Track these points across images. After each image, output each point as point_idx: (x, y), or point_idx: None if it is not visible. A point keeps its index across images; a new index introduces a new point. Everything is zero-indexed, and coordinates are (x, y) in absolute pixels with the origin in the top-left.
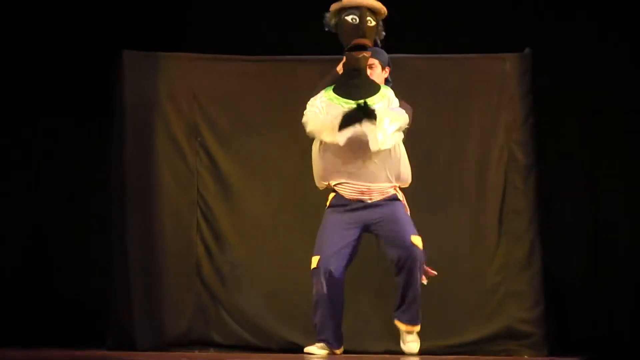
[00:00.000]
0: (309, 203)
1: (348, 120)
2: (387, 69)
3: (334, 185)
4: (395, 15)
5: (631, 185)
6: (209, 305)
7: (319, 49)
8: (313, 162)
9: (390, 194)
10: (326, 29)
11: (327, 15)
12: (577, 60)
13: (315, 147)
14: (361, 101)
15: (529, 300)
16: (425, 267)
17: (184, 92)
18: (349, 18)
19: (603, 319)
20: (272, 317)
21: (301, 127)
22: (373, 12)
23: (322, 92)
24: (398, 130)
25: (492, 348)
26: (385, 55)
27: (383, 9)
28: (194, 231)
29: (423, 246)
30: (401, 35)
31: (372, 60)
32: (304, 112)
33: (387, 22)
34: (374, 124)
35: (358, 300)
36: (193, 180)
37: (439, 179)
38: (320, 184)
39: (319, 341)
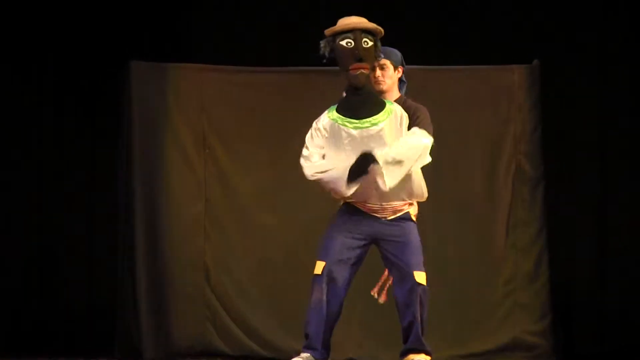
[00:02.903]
0: (317, 213)
1: (355, 173)
2: (401, 69)
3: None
4: (403, 27)
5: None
6: (217, 315)
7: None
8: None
9: (404, 212)
10: (324, 61)
11: (322, 43)
12: (585, 72)
13: None
14: (366, 152)
15: (536, 312)
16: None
17: (192, 102)
18: (343, 42)
19: (610, 331)
20: (279, 327)
21: None
22: (368, 32)
23: (326, 112)
24: (409, 161)
25: (500, 359)
26: (398, 54)
27: (378, 29)
28: (202, 241)
29: (427, 275)
30: (409, 46)
31: (383, 61)
32: (305, 145)
33: (395, 33)
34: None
35: (356, 310)
36: (201, 190)
37: (446, 190)
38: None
39: (306, 350)
